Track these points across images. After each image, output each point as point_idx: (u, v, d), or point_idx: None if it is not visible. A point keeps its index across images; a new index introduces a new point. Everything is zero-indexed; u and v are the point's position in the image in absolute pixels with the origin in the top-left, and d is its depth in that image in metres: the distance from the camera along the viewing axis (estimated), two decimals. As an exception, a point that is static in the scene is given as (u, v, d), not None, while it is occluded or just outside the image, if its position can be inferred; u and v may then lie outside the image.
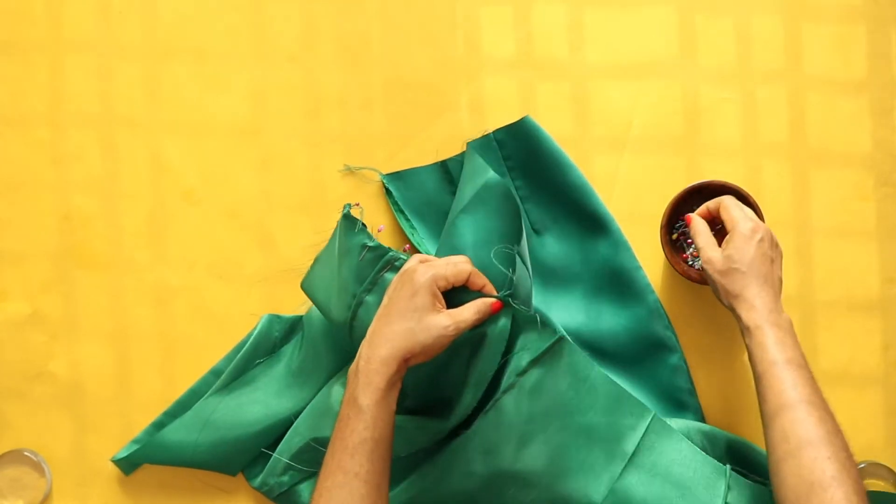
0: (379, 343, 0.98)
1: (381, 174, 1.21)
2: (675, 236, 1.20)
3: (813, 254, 1.21)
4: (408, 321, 0.99)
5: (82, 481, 1.21)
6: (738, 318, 1.06)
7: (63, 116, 1.24)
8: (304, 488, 1.17)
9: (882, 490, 1.18)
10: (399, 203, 1.20)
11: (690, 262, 1.19)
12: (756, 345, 1.03)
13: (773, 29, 1.23)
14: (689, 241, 1.20)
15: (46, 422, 1.22)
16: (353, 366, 0.99)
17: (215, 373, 1.20)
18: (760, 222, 1.10)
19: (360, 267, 1.09)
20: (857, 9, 1.23)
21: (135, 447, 1.19)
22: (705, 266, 1.09)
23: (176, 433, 1.17)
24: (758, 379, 1.03)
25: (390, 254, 1.08)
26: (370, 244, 1.09)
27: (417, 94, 1.23)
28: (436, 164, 1.21)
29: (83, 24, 1.24)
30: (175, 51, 1.24)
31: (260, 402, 1.17)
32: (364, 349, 0.99)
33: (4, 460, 1.20)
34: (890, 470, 1.18)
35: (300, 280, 1.19)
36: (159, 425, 1.20)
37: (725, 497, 1.08)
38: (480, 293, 1.04)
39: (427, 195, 1.21)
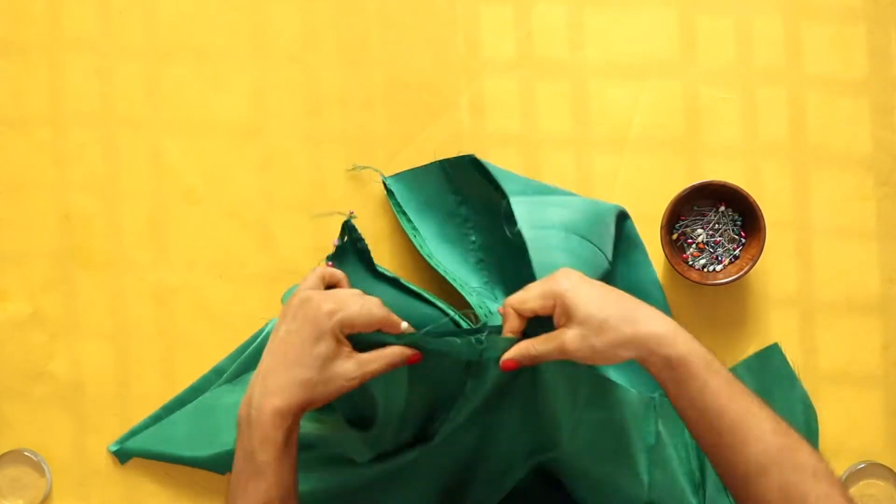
0: (273, 390, 0.89)
1: (382, 176, 1.21)
2: (675, 236, 1.20)
3: (813, 254, 1.21)
4: (307, 370, 0.89)
5: (82, 481, 1.21)
6: (648, 363, 0.90)
7: (63, 116, 1.24)
8: None
9: (882, 491, 1.18)
10: (401, 204, 1.20)
11: (690, 262, 1.19)
12: (688, 376, 0.88)
13: (773, 29, 1.23)
14: (690, 240, 1.20)
15: (46, 421, 1.22)
16: (242, 409, 0.90)
17: (217, 371, 1.20)
18: (547, 280, 0.95)
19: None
20: (857, 9, 1.23)
21: (130, 437, 1.19)
22: (574, 353, 0.91)
23: (172, 426, 1.17)
24: (700, 417, 0.88)
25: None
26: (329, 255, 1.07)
27: (418, 93, 1.23)
28: (435, 163, 1.20)
29: (83, 24, 1.24)
30: (175, 50, 1.24)
31: None
32: (255, 391, 0.89)
33: (4, 460, 1.20)
34: (890, 470, 1.18)
35: (300, 280, 1.19)
36: (156, 418, 1.20)
37: (657, 426, 1.07)
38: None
39: (428, 196, 1.20)
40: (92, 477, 1.21)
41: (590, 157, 1.22)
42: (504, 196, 1.11)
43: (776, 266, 1.21)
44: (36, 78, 1.24)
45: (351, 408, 1.07)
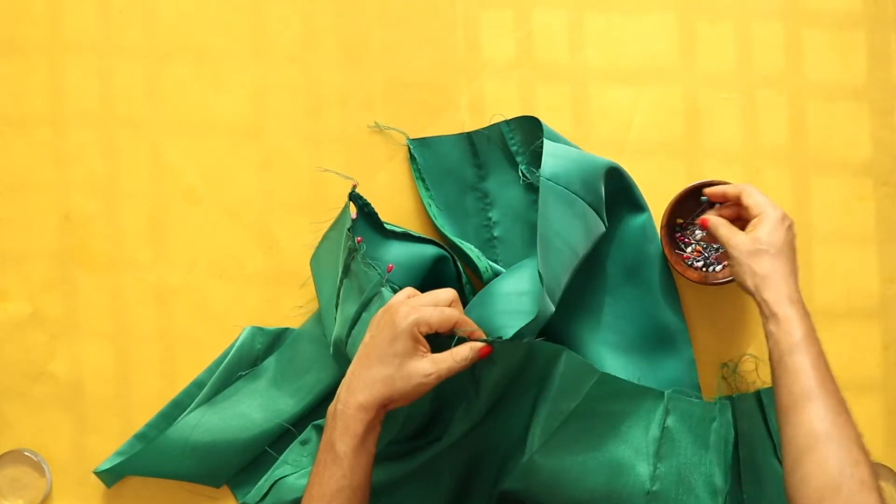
0: (357, 388, 0.96)
1: (407, 139, 1.21)
2: (675, 237, 1.20)
3: (813, 254, 1.21)
4: (387, 367, 0.96)
5: (82, 481, 1.21)
6: (761, 301, 1.02)
7: (63, 116, 1.24)
8: None
9: (883, 491, 1.18)
10: (421, 170, 1.20)
11: (690, 262, 1.19)
12: (782, 329, 0.99)
13: (773, 33, 1.23)
14: (690, 241, 1.20)
15: (47, 422, 1.22)
16: (330, 407, 0.98)
17: (198, 384, 1.20)
18: (772, 204, 1.08)
19: (356, 276, 1.10)
20: (857, 13, 1.22)
21: (118, 459, 1.18)
22: (731, 251, 1.06)
23: (159, 447, 1.17)
24: (778, 363, 0.99)
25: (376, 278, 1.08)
26: (357, 255, 1.09)
27: (418, 94, 1.23)
28: (462, 134, 1.21)
29: (83, 24, 1.24)
30: (175, 51, 1.24)
31: (242, 415, 1.17)
32: (342, 392, 0.97)
33: (4, 460, 1.20)
34: (890, 470, 1.18)
35: (300, 280, 1.20)
36: (142, 437, 1.20)
37: (664, 419, 1.08)
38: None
39: (449, 165, 1.21)
40: (92, 477, 1.21)
41: (590, 158, 1.22)
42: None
43: (776, 267, 1.21)
44: (36, 78, 1.24)
45: None
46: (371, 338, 0.98)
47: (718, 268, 1.19)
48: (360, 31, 1.24)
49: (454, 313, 0.99)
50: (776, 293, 1.01)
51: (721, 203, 1.17)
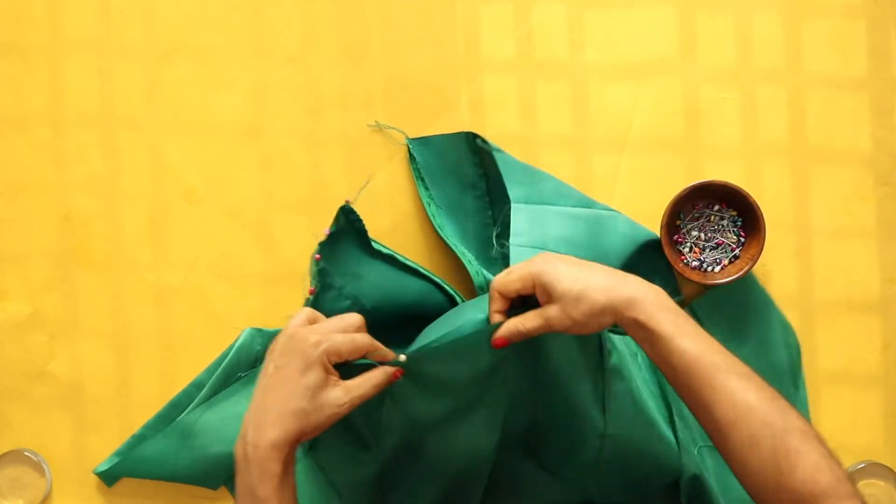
0: (266, 424, 0.91)
1: (407, 138, 1.21)
2: (675, 237, 1.20)
3: (813, 254, 1.21)
4: (299, 400, 0.91)
5: (82, 481, 1.21)
6: (624, 324, 0.95)
7: (63, 116, 1.24)
8: None
9: (882, 490, 1.18)
10: (420, 170, 1.21)
11: (689, 262, 1.19)
12: (658, 337, 0.92)
13: (773, 28, 1.23)
14: (689, 241, 1.20)
15: (46, 422, 1.22)
16: (238, 448, 0.92)
17: (197, 385, 1.20)
18: (526, 262, 0.99)
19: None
20: (857, 7, 1.22)
21: (115, 460, 1.18)
22: (558, 326, 0.96)
23: (156, 447, 1.17)
24: (674, 375, 0.93)
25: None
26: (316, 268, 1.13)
27: (418, 93, 1.23)
28: (461, 133, 1.21)
29: (83, 24, 1.24)
30: (175, 51, 1.24)
31: (241, 416, 1.16)
32: (249, 431, 0.91)
33: (4, 460, 1.20)
34: (890, 470, 1.18)
35: (300, 280, 1.19)
36: (140, 438, 1.19)
37: (609, 360, 1.08)
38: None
39: (449, 163, 1.21)
40: (92, 477, 1.21)
41: (590, 157, 1.22)
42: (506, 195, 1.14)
43: (776, 266, 1.21)
44: (36, 78, 1.24)
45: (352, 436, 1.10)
46: (276, 368, 0.93)
47: (718, 268, 1.19)
48: (360, 31, 1.24)
49: (364, 341, 0.96)
50: (628, 306, 0.94)
51: (726, 206, 1.18)
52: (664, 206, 1.17)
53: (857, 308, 1.21)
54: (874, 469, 1.18)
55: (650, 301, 0.94)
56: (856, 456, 1.20)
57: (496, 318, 1.00)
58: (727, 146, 1.22)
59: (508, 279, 0.99)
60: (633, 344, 1.15)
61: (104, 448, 1.21)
